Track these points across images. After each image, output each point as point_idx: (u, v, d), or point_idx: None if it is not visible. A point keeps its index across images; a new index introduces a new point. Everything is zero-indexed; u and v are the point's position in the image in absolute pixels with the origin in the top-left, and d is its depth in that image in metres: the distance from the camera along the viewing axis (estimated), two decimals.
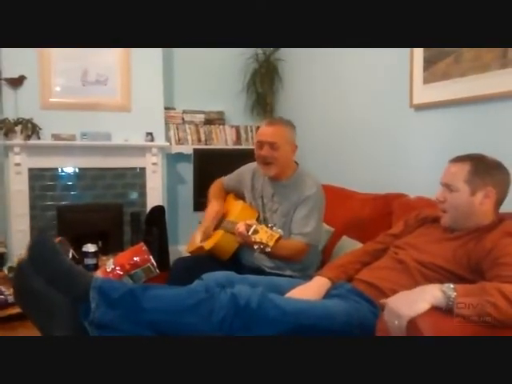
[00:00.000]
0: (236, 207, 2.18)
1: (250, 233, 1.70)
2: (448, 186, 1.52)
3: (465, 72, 2.06)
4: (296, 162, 2.14)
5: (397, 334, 1.19)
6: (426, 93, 2.30)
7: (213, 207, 2.20)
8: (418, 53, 2.31)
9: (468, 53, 2.03)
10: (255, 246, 1.70)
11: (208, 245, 2.08)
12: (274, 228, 1.70)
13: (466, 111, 2.10)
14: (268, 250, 1.68)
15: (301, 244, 1.95)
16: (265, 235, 1.67)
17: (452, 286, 1.19)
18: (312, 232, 1.96)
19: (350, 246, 2.16)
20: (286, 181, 2.06)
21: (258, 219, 2.08)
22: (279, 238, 1.67)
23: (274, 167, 2.02)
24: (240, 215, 2.04)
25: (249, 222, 1.76)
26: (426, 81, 2.29)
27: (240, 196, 2.28)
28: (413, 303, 1.19)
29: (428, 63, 2.26)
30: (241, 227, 1.77)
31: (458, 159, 1.54)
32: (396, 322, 1.19)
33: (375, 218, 2.26)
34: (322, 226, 2.09)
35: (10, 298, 1.82)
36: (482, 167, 1.48)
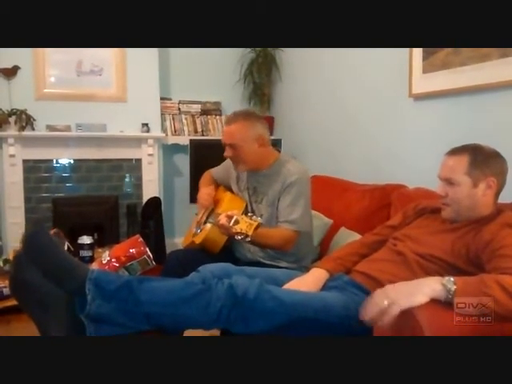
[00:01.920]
0: (224, 199, 2.17)
1: (231, 224, 1.70)
2: (448, 180, 1.49)
3: (464, 62, 2.04)
4: (278, 150, 2.11)
5: (380, 315, 1.18)
6: (425, 82, 2.28)
7: (203, 191, 2.21)
8: None
9: None
10: (237, 237, 1.69)
11: (198, 239, 2.07)
12: (254, 217, 1.70)
13: (466, 101, 2.09)
14: (248, 239, 1.68)
15: (288, 232, 1.92)
16: (244, 225, 1.67)
17: (452, 279, 1.17)
18: (298, 219, 1.93)
19: (348, 237, 2.15)
20: (266, 170, 2.03)
21: (246, 209, 2.07)
22: (258, 226, 1.66)
23: (242, 165, 2.01)
24: (227, 207, 2.03)
25: (229, 213, 1.75)
26: (425, 70, 2.27)
27: (229, 188, 2.27)
28: (411, 294, 1.17)
29: (427, 53, 2.24)
30: (222, 219, 1.75)
31: (455, 151, 1.51)
32: (385, 303, 1.17)
33: (374, 210, 2.25)
34: (310, 211, 2.05)
35: (6, 291, 1.80)
36: (481, 157, 1.46)
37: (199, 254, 2.01)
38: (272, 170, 2.02)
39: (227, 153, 2.00)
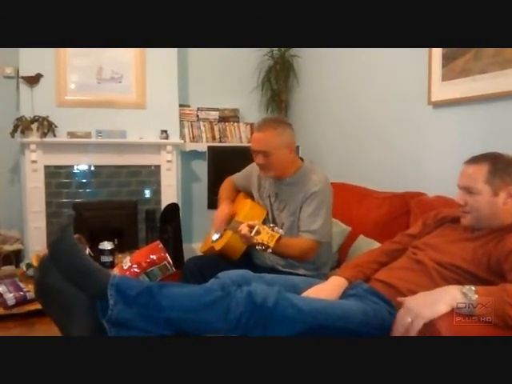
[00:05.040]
0: (244, 206, 2.17)
1: (252, 234, 1.70)
2: (467, 189, 1.48)
3: (485, 68, 2.03)
4: (301, 158, 2.12)
5: (407, 333, 1.17)
6: (445, 90, 2.27)
7: (222, 210, 2.19)
8: (437, 49, 2.28)
9: (488, 49, 2.00)
10: (257, 247, 1.70)
11: (218, 245, 2.08)
12: (276, 228, 1.70)
13: (486, 109, 2.07)
14: (269, 250, 1.68)
15: (309, 242, 1.92)
16: (266, 236, 1.68)
17: (473, 287, 1.17)
18: (320, 229, 1.93)
19: (366, 245, 2.14)
20: (290, 179, 2.03)
21: (266, 218, 2.08)
22: (279, 239, 1.67)
23: (271, 172, 2.00)
24: (248, 214, 2.04)
25: (251, 223, 1.75)
26: (445, 78, 2.26)
27: (250, 194, 2.27)
28: (433, 305, 1.17)
29: (447, 60, 2.23)
30: (244, 229, 1.76)
31: (475, 160, 1.50)
32: (410, 320, 1.17)
33: (392, 217, 2.24)
34: (331, 221, 2.06)
35: (29, 295, 1.83)
36: (501, 166, 1.45)
37: (218, 261, 2.02)
38: (295, 178, 2.03)
39: (258, 160, 1.98)
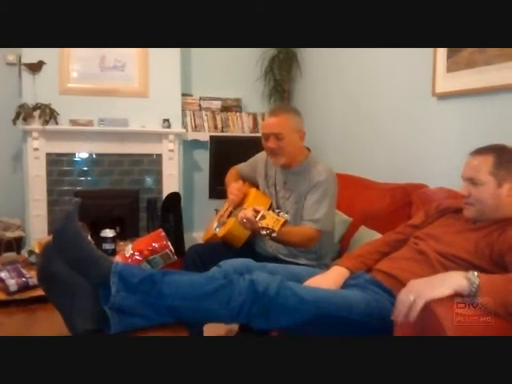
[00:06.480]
0: (249, 195, 2.18)
1: (257, 218, 1.71)
2: (472, 180, 1.47)
3: (490, 60, 2.01)
4: (308, 148, 2.12)
5: (406, 312, 1.17)
6: (449, 81, 2.25)
7: (234, 186, 2.20)
8: None
9: None
10: (262, 232, 1.71)
11: (221, 232, 2.09)
12: (281, 213, 1.71)
13: (491, 100, 2.06)
14: (274, 235, 1.69)
15: (311, 230, 1.93)
16: (271, 220, 1.68)
17: (476, 273, 1.17)
18: (322, 218, 1.94)
19: (368, 236, 2.15)
20: (296, 168, 2.05)
21: (270, 207, 2.08)
22: (284, 223, 1.68)
23: (283, 157, 2.01)
24: (252, 203, 2.04)
25: (257, 208, 1.76)
26: (450, 69, 2.24)
27: (254, 184, 2.27)
28: (435, 287, 1.17)
29: (451, 51, 2.22)
30: (249, 213, 1.76)
31: (480, 151, 1.49)
32: (412, 298, 1.16)
33: (394, 209, 2.24)
34: (334, 212, 2.06)
35: (31, 281, 1.83)
36: (506, 158, 1.45)
37: (219, 249, 2.03)
38: (302, 167, 2.04)
39: (271, 143, 1.99)
